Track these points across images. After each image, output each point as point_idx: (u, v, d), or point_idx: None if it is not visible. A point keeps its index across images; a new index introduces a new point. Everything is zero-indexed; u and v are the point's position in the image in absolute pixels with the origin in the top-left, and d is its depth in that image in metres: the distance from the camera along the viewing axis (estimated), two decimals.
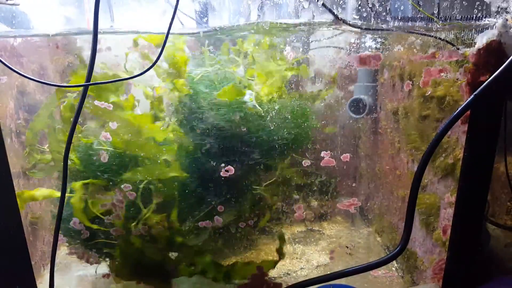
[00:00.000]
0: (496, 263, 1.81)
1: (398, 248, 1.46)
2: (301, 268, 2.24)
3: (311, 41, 2.14)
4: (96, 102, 1.66)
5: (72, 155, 1.80)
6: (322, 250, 2.41)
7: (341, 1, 1.63)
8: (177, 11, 1.32)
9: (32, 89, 2.13)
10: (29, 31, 1.71)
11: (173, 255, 1.97)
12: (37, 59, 2.10)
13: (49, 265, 1.97)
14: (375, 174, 2.60)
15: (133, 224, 1.82)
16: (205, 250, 1.94)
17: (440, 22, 1.57)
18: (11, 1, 1.19)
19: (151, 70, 1.35)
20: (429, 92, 1.78)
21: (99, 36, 1.24)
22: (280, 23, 1.66)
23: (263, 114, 1.87)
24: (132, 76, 1.44)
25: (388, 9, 1.64)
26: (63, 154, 1.36)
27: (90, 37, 1.33)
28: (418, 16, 1.63)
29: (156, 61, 1.33)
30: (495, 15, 1.40)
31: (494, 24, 1.40)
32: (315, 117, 2.05)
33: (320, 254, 2.38)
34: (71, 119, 1.33)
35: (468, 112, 1.43)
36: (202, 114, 1.83)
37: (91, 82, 1.30)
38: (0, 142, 1.32)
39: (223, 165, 1.83)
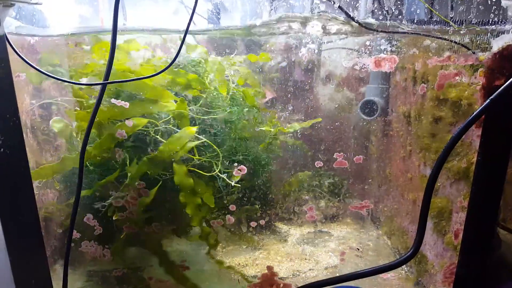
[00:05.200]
0: (507, 268, 1.80)
1: (410, 252, 1.46)
2: (310, 269, 2.24)
3: (325, 42, 2.15)
4: (113, 100, 1.68)
5: None
6: (332, 252, 2.41)
7: (356, 4, 1.63)
8: (188, 9, 1.33)
9: (47, 86, 2.16)
10: (48, 29, 1.73)
11: None
12: (54, 56, 2.12)
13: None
14: (386, 177, 2.60)
15: None
16: None
17: (456, 26, 1.56)
18: (34, 1, 1.22)
19: None
20: (443, 96, 1.78)
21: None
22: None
23: None
24: (150, 75, 1.46)
25: (403, 12, 1.65)
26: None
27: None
28: (433, 19, 1.63)
29: (173, 61, 1.35)
30: None
31: (511, 29, 1.40)
32: None
33: (329, 255, 2.38)
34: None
35: (483, 116, 1.43)
36: None
37: (109, 81, 1.32)
38: (20, 139, 1.35)
39: None
